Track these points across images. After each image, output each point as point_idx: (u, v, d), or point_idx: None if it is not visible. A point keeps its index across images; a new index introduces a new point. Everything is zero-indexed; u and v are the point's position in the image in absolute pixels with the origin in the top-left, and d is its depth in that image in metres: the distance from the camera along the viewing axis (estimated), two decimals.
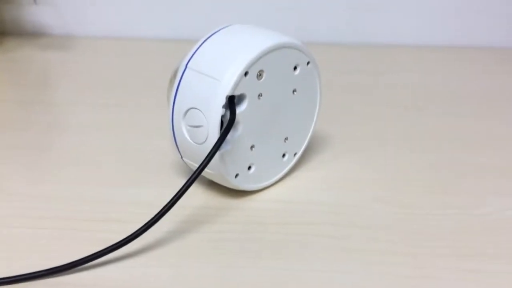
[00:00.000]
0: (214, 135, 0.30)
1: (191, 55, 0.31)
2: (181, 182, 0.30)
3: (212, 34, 0.32)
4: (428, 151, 0.40)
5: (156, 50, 0.59)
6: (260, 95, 0.31)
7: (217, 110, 0.29)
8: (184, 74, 0.31)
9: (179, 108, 0.31)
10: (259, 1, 0.61)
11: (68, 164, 0.38)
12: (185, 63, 0.31)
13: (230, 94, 0.29)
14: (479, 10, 0.63)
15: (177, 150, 0.33)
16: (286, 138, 0.35)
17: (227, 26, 0.32)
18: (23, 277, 0.27)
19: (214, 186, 0.35)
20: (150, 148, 0.39)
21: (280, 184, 0.36)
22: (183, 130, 0.31)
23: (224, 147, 0.31)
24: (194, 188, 0.31)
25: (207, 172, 0.32)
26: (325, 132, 0.41)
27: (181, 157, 0.33)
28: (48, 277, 0.27)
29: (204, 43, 0.31)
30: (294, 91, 0.33)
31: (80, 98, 0.48)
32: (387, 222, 0.32)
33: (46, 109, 0.46)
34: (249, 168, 0.33)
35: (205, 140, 0.30)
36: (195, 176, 0.29)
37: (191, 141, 0.31)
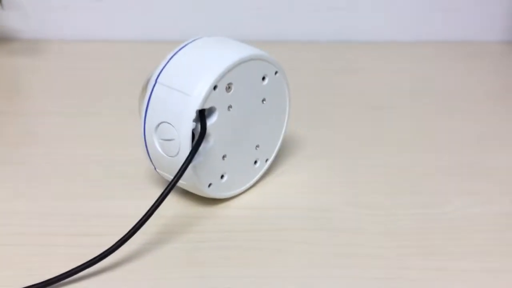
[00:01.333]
0: (185, 148, 0.30)
1: (160, 69, 0.31)
2: (156, 192, 0.31)
3: (181, 48, 0.32)
4: (397, 152, 0.41)
5: (128, 52, 0.58)
6: (230, 106, 0.32)
7: (188, 124, 0.30)
8: (154, 88, 0.31)
9: (151, 122, 0.31)
10: (233, 2, 0.61)
11: (41, 177, 0.38)
12: (155, 77, 0.31)
13: (200, 108, 0.30)
14: (449, 7, 0.64)
15: (150, 162, 0.33)
16: (258, 146, 0.35)
17: (195, 40, 0.33)
18: None
19: (188, 195, 0.35)
20: (124, 158, 0.39)
21: (253, 190, 0.37)
22: (155, 143, 0.32)
23: (197, 158, 0.31)
24: (168, 198, 0.32)
25: (181, 183, 0.32)
26: (297, 135, 0.42)
27: (155, 169, 0.34)
28: None
29: (173, 57, 0.32)
30: (263, 100, 0.34)
31: (50, 107, 0.48)
32: (359, 225, 0.33)
33: (15, 119, 0.46)
34: (222, 177, 0.34)
35: (177, 153, 0.31)
36: (168, 190, 0.30)
37: (163, 154, 0.32)
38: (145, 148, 0.33)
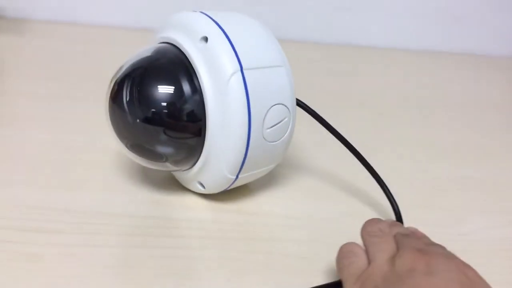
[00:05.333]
0: (294, 120, 0.29)
1: (235, 57, 0.26)
2: (129, 186, 0.26)
3: (224, 32, 0.27)
4: (402, 161, 0.38)
5: (114, 38, 0.56)
6: None
7: (293, 94, 0.29)
8: (246, 77, 0.26)
9: (259, 114, 0.27)
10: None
11: (9, 161, 0.33)
12: (237, 68, 0.26)
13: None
14: (456, 16, 0.63)
15: (238, 170, 0.28)
16: None
17: (226, 16, 0.29)
18: None
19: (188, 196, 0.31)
20: (96, 147, 0.35)
21: (250, 193, 0.33)
22: (262, 137, 0.28)
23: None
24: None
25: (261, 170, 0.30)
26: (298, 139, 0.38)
27: (236, 177, 0.29)
28: None
29: (232, 42, 0.27)
30: None
31: (26, 87, 0.43)
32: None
33: None
34: None
35: (287, 131, 0.29)
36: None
37: (269, 143, 0.28)
38: (244, 155, 0.28)
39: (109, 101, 0.28)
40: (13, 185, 0.31)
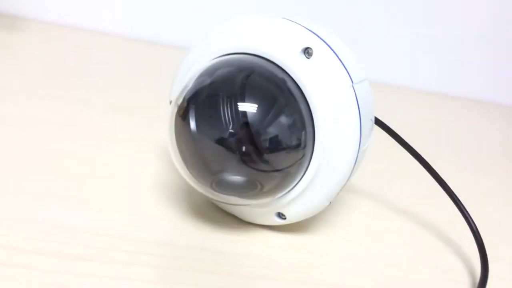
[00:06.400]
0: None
1: (346, 72, 0.24)
2: (170, 210, 0.24)
3: (328, 44, 0.24)
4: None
5: (108, 46, 0.53)
6: None
7: None
8: (356, 92, 0.24)
9: (364, 133, 0.25)
10: None
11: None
12: (349, 83, 0.24)
13: None
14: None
15: (336, 194, 0.25)
16: None
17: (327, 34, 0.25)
18: None
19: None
20: (134, 163, 0.31)
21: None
22: (359, 156, 0.25)
23: None
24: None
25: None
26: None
27: (329, 203, 0.26)
28: None
29: (338, 56, 0.24)
30: None
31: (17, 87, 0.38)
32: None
33: None
34: None
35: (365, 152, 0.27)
36: None
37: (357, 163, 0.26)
38: (349, 176, 0.25)
39: (194, 126, 0.23)
40: (38, 201, 0.25)
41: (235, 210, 0.27)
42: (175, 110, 0.24)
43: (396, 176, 0.37)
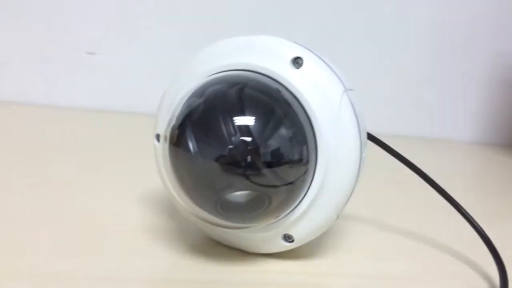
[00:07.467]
0: None
1: (338, 79, 0.24)
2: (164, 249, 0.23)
3: (317, 56, 0.24)
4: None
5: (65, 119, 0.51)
6: None
7: None
8: (350, 97, 0.24)
9: (363, 139, 0.24)
10: None
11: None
12: (342, 90, 0.23)
13: None
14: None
15: (343, 207, 0.24)
16: None
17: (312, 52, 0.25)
18: None
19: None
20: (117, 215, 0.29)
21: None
22: (361, 165, 0.25)
23: None
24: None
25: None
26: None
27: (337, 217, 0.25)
28: None
29: (330, 67, 0.24)
30: None
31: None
32: None
33: None
34: None
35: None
36: None
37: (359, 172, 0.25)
38: (353, 186, 0.24)
39: (192, 147, 0.21)
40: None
41: (238, 241, 0.26)
42: (168, 138, 0.22)
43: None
